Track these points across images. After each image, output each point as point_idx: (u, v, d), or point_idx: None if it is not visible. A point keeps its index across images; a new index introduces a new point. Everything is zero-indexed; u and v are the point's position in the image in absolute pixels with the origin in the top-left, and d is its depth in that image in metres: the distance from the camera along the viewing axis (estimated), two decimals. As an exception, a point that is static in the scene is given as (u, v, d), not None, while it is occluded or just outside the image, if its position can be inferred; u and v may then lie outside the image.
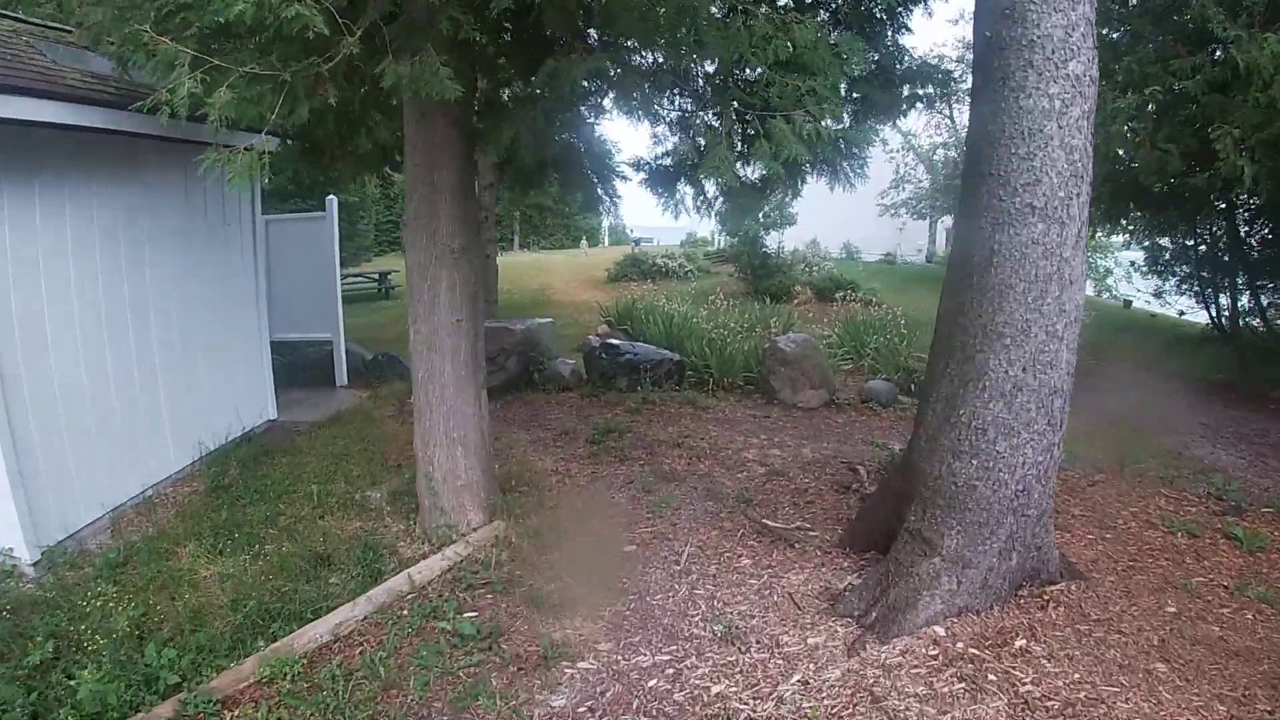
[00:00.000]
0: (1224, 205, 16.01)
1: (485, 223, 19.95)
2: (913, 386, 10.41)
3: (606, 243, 48.44)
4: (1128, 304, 25.16)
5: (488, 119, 5.41)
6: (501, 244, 43.52)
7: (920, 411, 5.12)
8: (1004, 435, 4.41)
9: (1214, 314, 18.01)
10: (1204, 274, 17.76)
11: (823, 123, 4.48)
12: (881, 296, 19.57)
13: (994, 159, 4.28)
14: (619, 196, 7.41)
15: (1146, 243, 19.23)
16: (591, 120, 6.85)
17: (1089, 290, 31.00)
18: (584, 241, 42.83)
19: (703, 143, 4.97)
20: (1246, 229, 16.15)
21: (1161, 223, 17.34)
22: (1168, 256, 18.67)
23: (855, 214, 30.11)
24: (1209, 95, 9.44)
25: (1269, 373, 14.70)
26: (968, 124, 4.72)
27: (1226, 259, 16.52)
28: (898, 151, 28.70)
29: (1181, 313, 20.98)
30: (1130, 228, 19.07)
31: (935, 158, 27.88)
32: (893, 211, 28.64)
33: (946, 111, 26.73)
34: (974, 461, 4.45)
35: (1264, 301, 16.44)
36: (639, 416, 9.09)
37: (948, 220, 33.92)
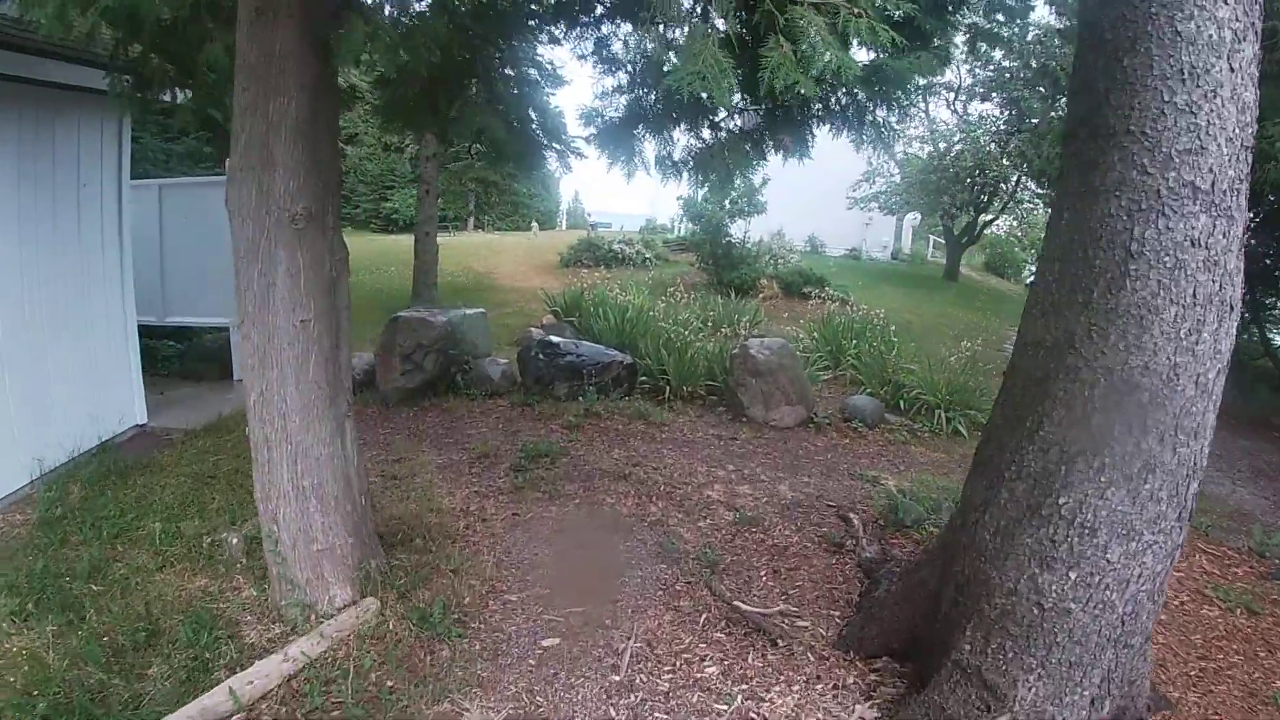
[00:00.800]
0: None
1: (427, 197, 18.31)
2: (901, 404, 8.97)
3: (564, 226, 46.70)
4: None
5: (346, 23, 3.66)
6: (454, 224, 41.70)
7: (973, 485, 3.59)
8: (1120, 537, 2.91)
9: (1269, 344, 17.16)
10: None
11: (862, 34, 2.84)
12: (853, 295, 18.21)
13: (1133, 109, 2.75)
14: (570, 151, 5.80)
15: None
16: (519, 44, 5.16)
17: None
18: (535, 224, 40.96)
19: (673, 58, 3.28)
20: (1252, 239, 15.09)
21: None
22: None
23: (821, 206, 28.77)
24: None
25: (1265, 396, 13.78)
26: (1076, 61, 3.15)
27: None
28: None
29: None
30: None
31: (908, 152, 26.53)
32: (862, 205, 27.23)
33: (921, 105, 25.40)
34: (1071, 574, 2.94)
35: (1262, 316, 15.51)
36: (579, 434, 7.48)
37: (914, 216, 32.77)
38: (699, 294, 15.21)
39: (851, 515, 5.94)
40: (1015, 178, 24.00)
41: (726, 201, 18.88)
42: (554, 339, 8.91)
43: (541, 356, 8.57)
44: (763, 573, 5.05)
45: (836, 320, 11.57)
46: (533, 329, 12.16)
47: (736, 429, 8.03)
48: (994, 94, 22.74)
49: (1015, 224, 31.66)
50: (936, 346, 13.42)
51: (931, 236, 34.48)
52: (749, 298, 17.26)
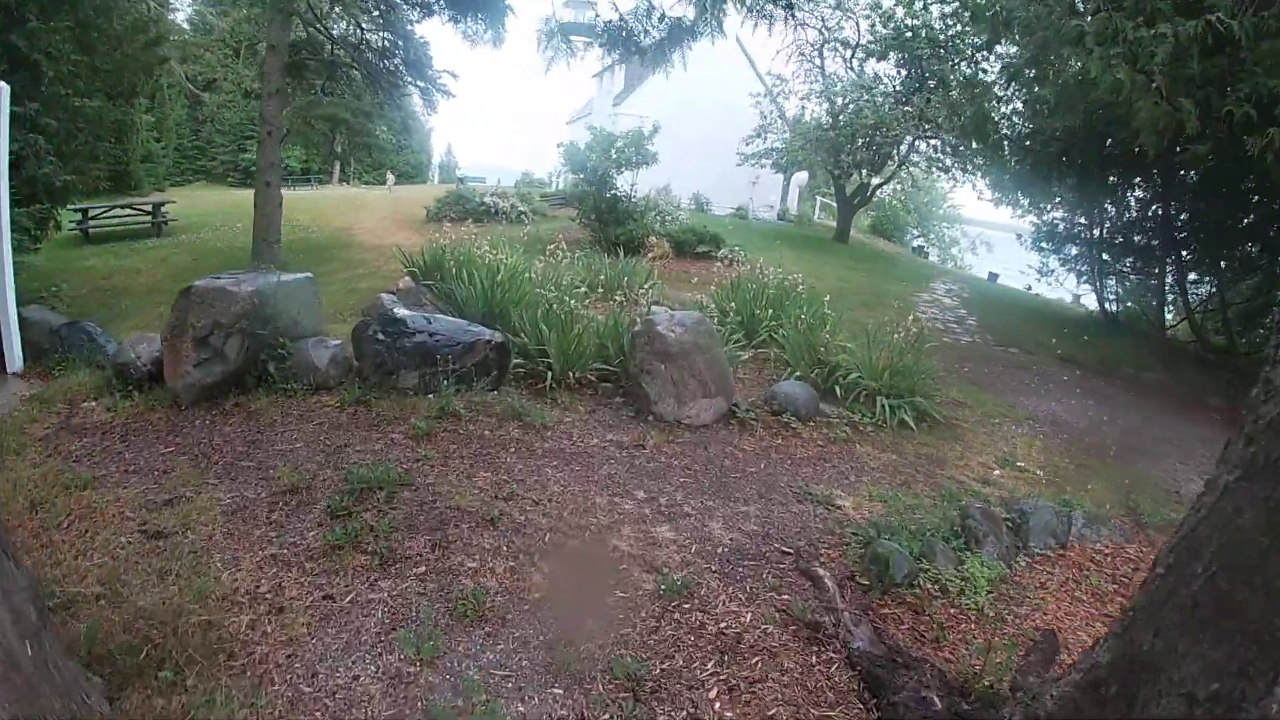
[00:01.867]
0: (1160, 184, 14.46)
1: (269, 140, 15.59)
2: (837, 390, 7.33)
3: (436, 181, 43.78)
4: (993, 277, 23.65)
5: None
6: (319, 177, 38.35)
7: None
8: None
9: (1103, 299, 16.54)
10: (1105, 256, 16.14)
11: None
12: (749, 256, 16.66)
13: None
14: (437, 89, 3.70)
15: (1036, 217, 17.42)
16: None
17: (933, 257, 29.63)
18: (390, 175, 37.97)
19: None
20: (1180, 209, 14.36)
21: (1076, 199, 15.53)
22: (1061, 233, 16.86)
23: (706, 164, 27.18)
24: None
25: (1191, 374, 13.11)
26: None
27: (1156, 242, 14.90)
28: (763, 96, 25.78)
29: (1077, 296, 19.53)
30: (1026, 202, 17.23)
31: (805, 105, 25.23)
32: (753, 162, 25.75)
33: (818, 61, 24.04)
34: None
35: (1187, 288, 14.91)
36: (430, 447, 5.40)
37: (802, 177, 31.67)
38: (583, 252, 13.24)
39: (819, 570, 4.19)
40: (909, 140, 23.04)
41: (613, 150, 16.89)
42: (400, 313, 6.72)
43: (382, 337, 6.41)
44: (712, 692, 3.22)
45: (748, 285, 9.82)
46: (384, 295, 9.92)
47: (642, 431, 6.15)
48: (891, 53, 21.64)
49: (900, 189, 31.08)
50: (850, 316, 12.00)
51: (819, 197, 33.57)
52: (638, 257, 15.45)
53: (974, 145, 18.76)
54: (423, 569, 3.93)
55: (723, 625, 3.68)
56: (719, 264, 15.27)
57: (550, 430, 5.90)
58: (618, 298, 8.83)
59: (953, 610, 4.13)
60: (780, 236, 23.82)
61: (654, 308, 9.10)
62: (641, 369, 6.42)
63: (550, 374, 6.82)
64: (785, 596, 3.97)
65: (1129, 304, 16.43)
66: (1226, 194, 13.08)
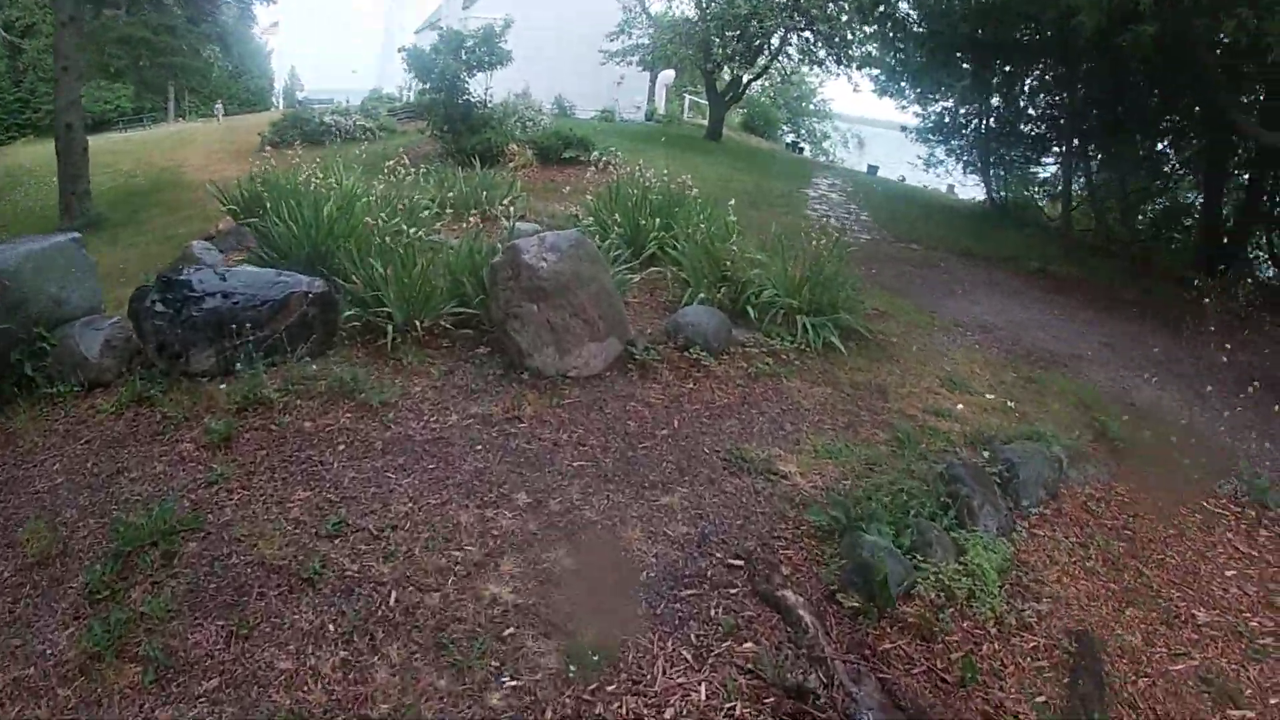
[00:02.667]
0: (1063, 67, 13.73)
1: (65, 76, 13.39)
2: (749, 312, 6.06)
3: (280, 106, 39.86)
4: (873, 170, 22.94)
5: None
6: (152, 116, 35.29)
7: None
8: None
9: (992, 190, 15.98)
10: (998, 147, 15.46)
11: None
12: (622, 160, 15.16)
13: None
14: None
15: (921, 109, 16.58)
16: None
17: (807, 153, 28.82)
18: (219, 105, 34.33)
19: None
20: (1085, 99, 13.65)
21: (970, 88, 14.65)
22: (949, 124, 16.07)
23: (567, 65, 25.07)
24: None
25: (1089, 260, 12.60)
26: None
27: (1052, 132, 14.24)
28: None
29: (950, 186, 18.94)
30: (917, 90, 16.27)
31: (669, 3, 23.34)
32: (618, 60, 23.74)
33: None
34: None
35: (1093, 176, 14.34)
36: (228, 462, 3.82)
37: (669, 74, 29.96)
38: (434, 167, 11.45)
39: (786, 593, 2.99)
40: (781, 32, 21.68)
41: (462, 51, 14.86)
42: (186, 274, 4.98)
43: (162, 308, 4.69)
44: None
45: (629, 191, 8.33)
46: (196, 243, 8.02)
47: (516, 396, 4.73)
48: None
49: (769, 85, 29.86)
50: (742, 219, 10.82)
51: (687, 95, 31.98)
52: (498, 168, 13.74)
53: (863, 31, 17.68)
54: (215, 681, 2.53)
55: (668, 714, 2.44)
56: (592, 170, 13.74)
57: (393, 409, 4.41)
58: (473, 217, 7.24)
59: (966, 625, 3.05)
60: (651, 137, 22.25)
61: (518, 225, 7.64)
62: (507, 313, 4.96)
63: (391, 326, 5.29)
64: (748, 644, 2.77)
65: (1023, 193, 15.92)
66: (1133, 82, 12.43)
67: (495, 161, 14.10)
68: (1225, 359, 6.67)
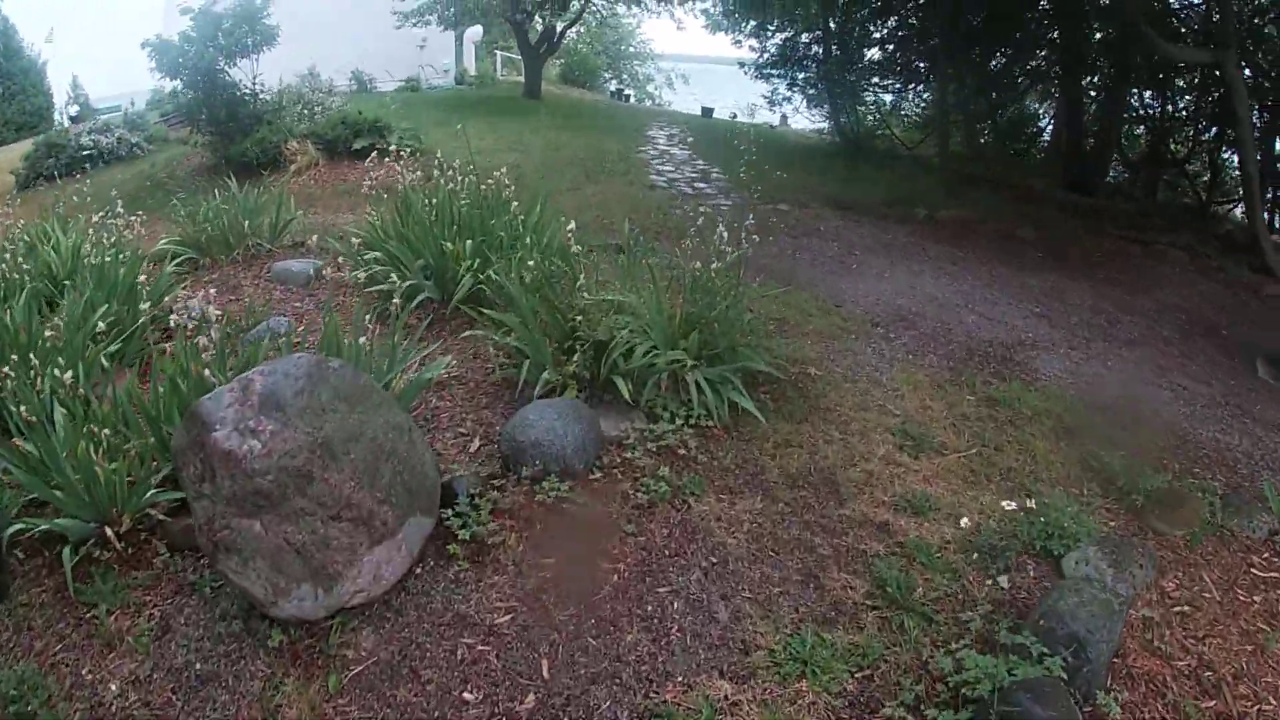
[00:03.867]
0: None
1: None
2: (621, 381, 4.03)
3: (67, 123, 33.75)
4: (707, 112, 21.25)
5: None
6: None
7: None
8: None
9: (842, 125, 14.53)
10: (842, 73, 13.91)
11: None
12: (428, 142, 12.75)
13: None
14: None
15: (758, 42, 14.86)
16: None
17: (632, 99, 26.81)
18: None
19: None
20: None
21: (814, 13, 12.99)
22: (793, 56, 14.45)
23: (362, 33, 21.85)
24: None
25: (969, 194, 11.32)
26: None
27: (917, 60, 12.79)
28: None
29: (784, 117, 17.38)
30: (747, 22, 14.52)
31: None
32: (414, 21, 20.63)
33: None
34: None
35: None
36: None
37: (476, 31, 27.13)
38: (200, 187, 8.89)
39: None
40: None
41: (219, 34, 11.88)
42: None
43: None
44: None
45: (423, 200, 6.06)
46: None
47: (266, 685, 2.61)
48: None
49: (586, 31, 27.61)
50: (580, 201, 8.89)
51: (499, 52, 29.23)
52: (279, 174, 11.17)
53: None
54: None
55: None
56: (391, 160, 11.37)
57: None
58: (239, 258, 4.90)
59: None
60: (464, 104, 19.70)
61: (285, 267, 5.57)
62: (214, 541, 2.75)
63: (67, 549, 3.02)
64: None
65: (875, 123, 14.54)
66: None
67: (274, 166, 11.50)
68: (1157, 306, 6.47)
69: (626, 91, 28.31)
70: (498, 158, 11.74)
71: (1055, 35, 12.35)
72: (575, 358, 4.09)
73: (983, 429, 4.40)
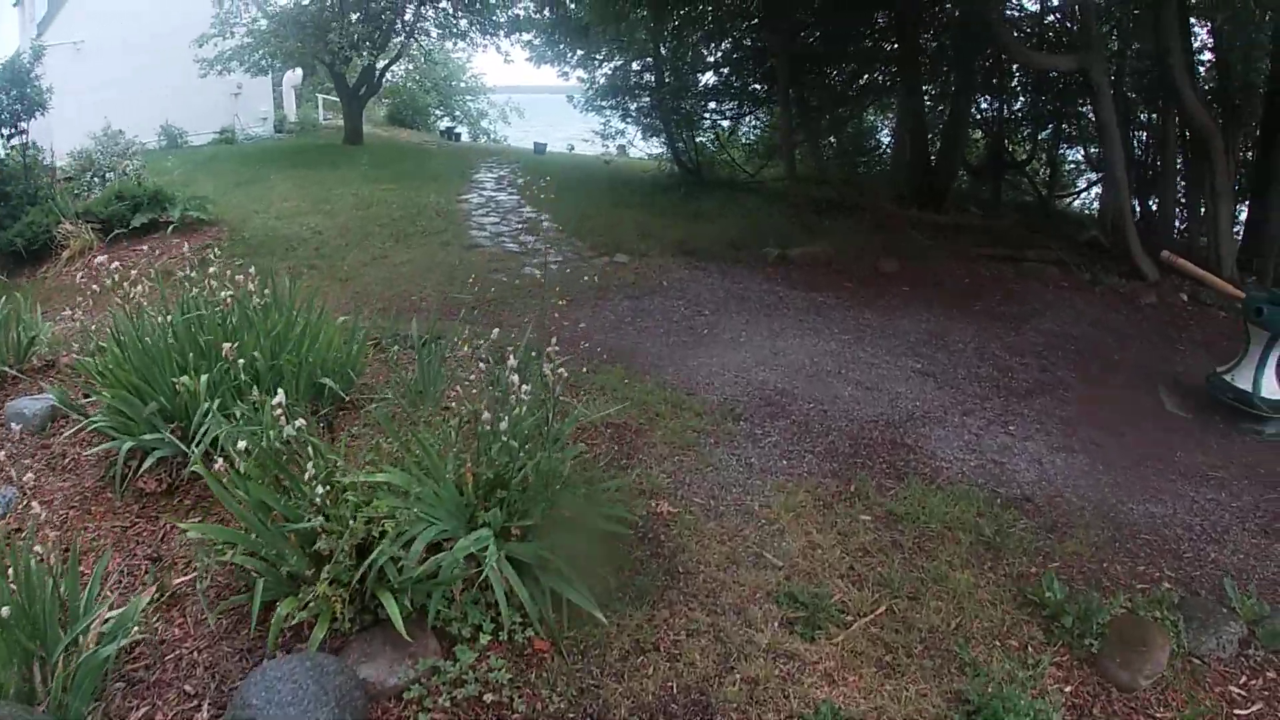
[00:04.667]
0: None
1: None
2: (394, 600, 2.70)
3: None
4: (540, 148, 20.18)
5: None
6: None
7: None
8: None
9: (679, 151, 13.64)
10: (675, 100, 12.99)
11: None
12: (220, 207, 11.09)
13: None
14: None
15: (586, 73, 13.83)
16: None
17: (465, 136, 25.40)
18: None
19: None
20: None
21: (647, 41, 12.01)
22: (625, 86, 13.48)
23: (175, 85, 19.55)
24: None
25: (812, 221, 10.59)
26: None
27: (772, 64, 11.90)
28: None
29: (621, 147, 16.41)
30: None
31: None
32: (219, 68, 18.37)
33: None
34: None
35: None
36: None
37: (295, 75, 25.14)
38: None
39: None
40: (413, 5, 18.11)
41: None
42: None
43: None
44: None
45: (157, 316, 4.48)
46: None
47: None
48: None
49: (414, 68, 26.04)
50: (383, 276, 7.64)
51: (320, 96, 27.30)
52: (54, 262, 9.43)
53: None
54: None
55: None
56: (179, 238, 9.72)
57: None
58: None
59: None
60: (277, 156, 17.88)
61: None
62: None
63: None
64: None
65: (711, 151, 13.75)
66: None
67: (45, 254, 9.70)
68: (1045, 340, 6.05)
69: (457, 130, 26.95)
70: (298, 223, 10.28)
71: (894, 46, 11.91)
72: (328, 569, 2.82)
73: (888, 568, 3.44)
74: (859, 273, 8.33)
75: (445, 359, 4.45)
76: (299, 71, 23.97)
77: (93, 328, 5.32)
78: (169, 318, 4.43)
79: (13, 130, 10.59)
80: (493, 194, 12.46)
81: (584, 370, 4.80)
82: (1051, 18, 11.30)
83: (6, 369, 5.31)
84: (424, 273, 7.83)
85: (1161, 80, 8.73)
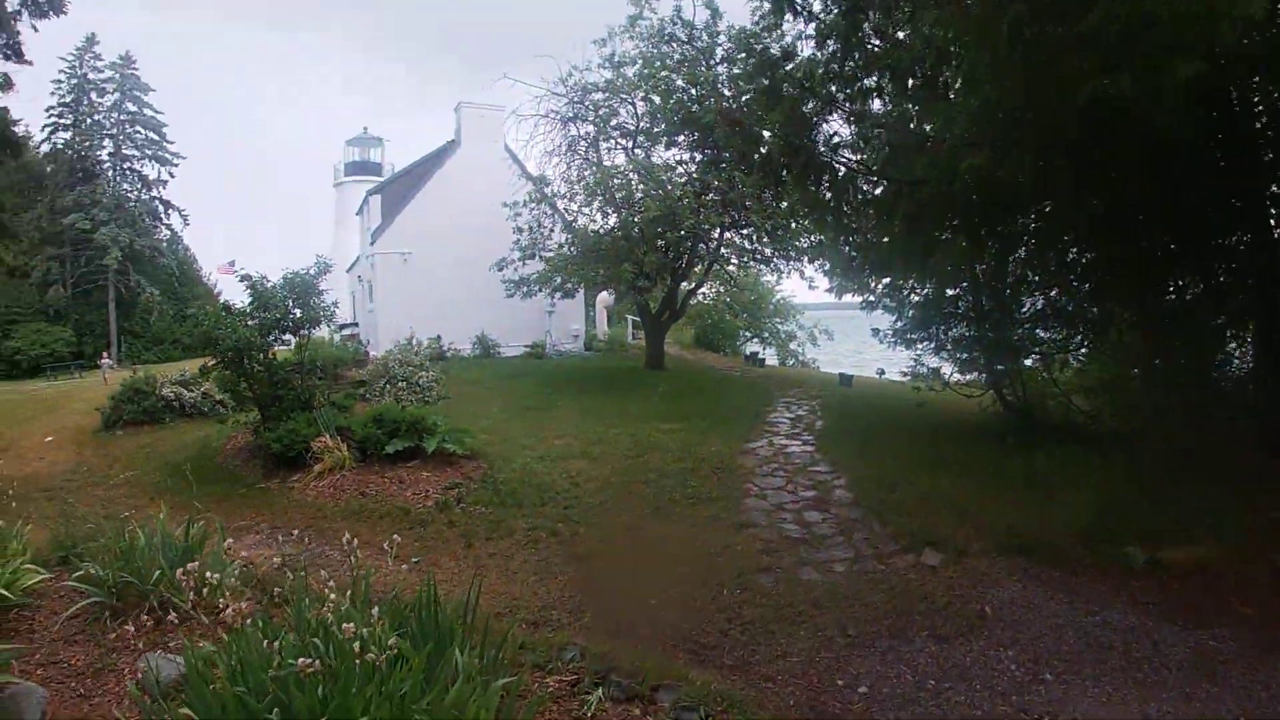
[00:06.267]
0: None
1: None
2: None
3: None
4: (847, 380, 18.61)
5: None
6: (86, 361, 35.04)
7: None
8: None
9: (1002, 388, 11.23)
10: (1007, 333, 10.81)
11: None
12: (491, 437, 10.65)
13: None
14: None
15: (893, 301, 12.12)
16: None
17: (770, 358, 24.42)
18: (106, 358, 30.73)
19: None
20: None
21: (958, 261, 10.26)
22: (937, 315, 11.62)
23: (491, 298, 20.96)
24: None
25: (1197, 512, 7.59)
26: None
27: (1103, 274, 9.51)
28: (522, 206, 19.36)
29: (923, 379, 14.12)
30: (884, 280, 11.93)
31: (584, 214, 19.19)
32: (525, 291, 19.29)
33: (593, 155, 18.92)
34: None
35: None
36: None
37: (608, 296, 26.28)
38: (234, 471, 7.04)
39: None
40: (717, 231, 18.11)
41: (268, 309, 10.69)
42: None
43: None
44: None
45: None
46: None
47: None
48: (684, 133, 17.27)
49: (723, 290, 26.11)
50: (622, 560, 6.26)
51: (630, 317, 28.33)
52: (305, 472, 9.65)
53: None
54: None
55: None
56: (432, 470, 9.27)
57: None
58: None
59: None
60: (574, 378, 18.02)
61: None
62: None
63: None
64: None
65: (1047, 392, 11.08)
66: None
67: (300, 463, 9.77)
68: None
69: (762, 357, 26.25)
70: (561, 467, 9.40)
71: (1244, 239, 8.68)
72: None
73: None
74: (1257, 587, 5.60)
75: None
76: (609, 294, 24.92)
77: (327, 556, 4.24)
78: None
79: (295, 336, 11.24)
80: (785, 442, 10.92)
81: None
82: None
83: (180, 600, 4.35)
84: (674, 564, 6.40)
85: None
